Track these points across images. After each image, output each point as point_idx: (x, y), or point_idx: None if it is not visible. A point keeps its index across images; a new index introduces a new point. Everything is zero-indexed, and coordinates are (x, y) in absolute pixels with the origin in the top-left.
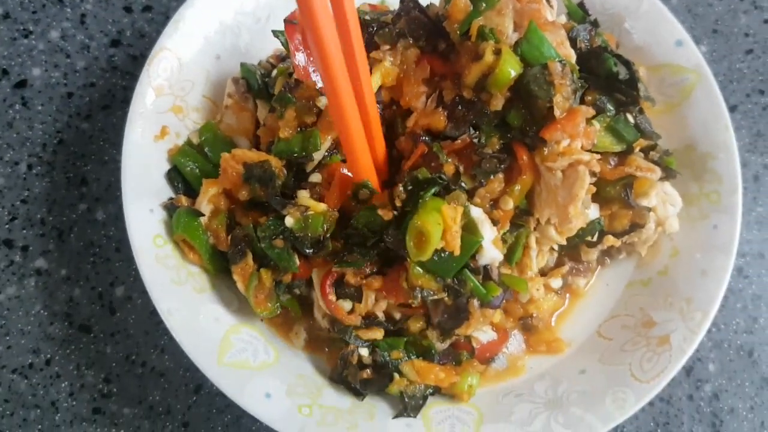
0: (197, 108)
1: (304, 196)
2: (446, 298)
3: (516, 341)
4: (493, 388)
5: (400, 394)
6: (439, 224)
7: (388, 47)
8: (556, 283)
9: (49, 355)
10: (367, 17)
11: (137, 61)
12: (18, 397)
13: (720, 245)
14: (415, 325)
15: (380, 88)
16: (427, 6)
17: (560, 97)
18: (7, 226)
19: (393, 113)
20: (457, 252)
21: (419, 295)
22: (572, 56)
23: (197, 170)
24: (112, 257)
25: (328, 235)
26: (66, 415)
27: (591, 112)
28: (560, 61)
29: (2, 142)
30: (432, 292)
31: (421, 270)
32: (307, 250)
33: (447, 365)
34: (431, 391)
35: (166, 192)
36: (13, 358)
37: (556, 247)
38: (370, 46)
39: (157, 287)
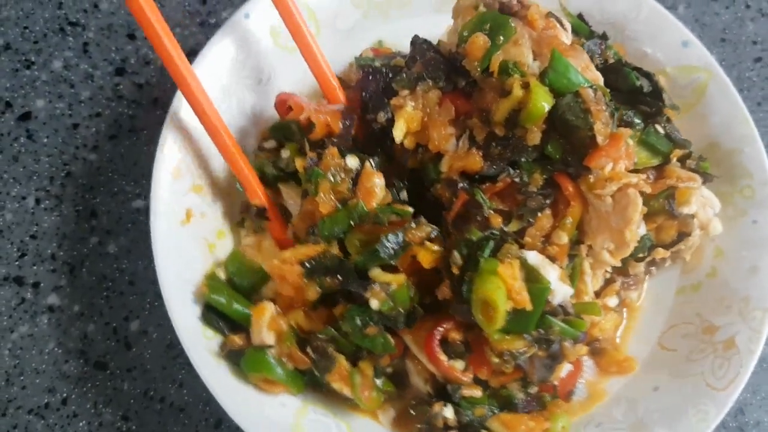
0: (215, 183)
1: (377, 272)
2: (538, 352)
3: (587, 368)
4: (576, 423)
5: None
6: (500, 288)
7: (407, 92)
8: (612, 301)
9: (65, 394)
10: (377, 63)
11: (143, 89)
12: None
13: (763, 239)
14: (497, 380)
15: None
16: (437, 43)
17: (600, 125)
18: (17, 262)
19: (421, 159)
20: (529, 306)
21: (511, 360)
22: (599, 79)
23: (234, 304)
24: (126, 291)
25: (416, 303)
26: None
27: (629, 132)
28: (591, 87)
29: (8, 177)
30: (522, 351)
31: (501, 335)
32: (404, 326)
33: (532, 412)
34: None
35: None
36: (28, 398)
37: (609, 270)
38: (388, 92)
39: (219, 387)
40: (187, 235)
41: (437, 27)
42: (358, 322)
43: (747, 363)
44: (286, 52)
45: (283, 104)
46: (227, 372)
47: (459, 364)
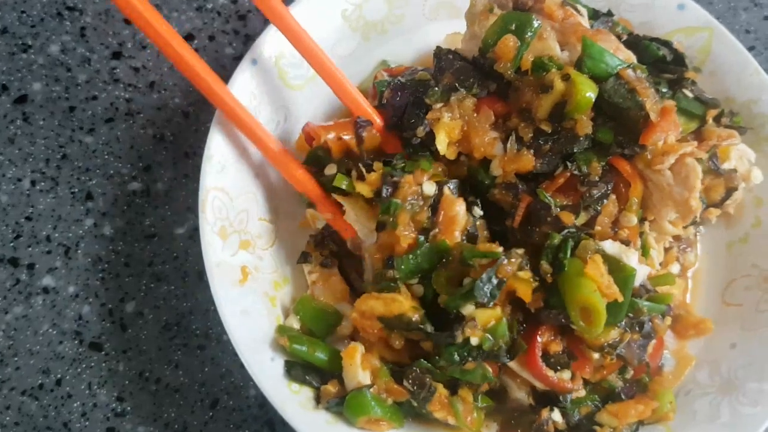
0: (260, 235)
1: (471, 310)
2: (633, 336)
3: (668, 337)
4: None
5: None
6: (594, 290)
7: (441, 104)
8: (675, 268)
9: (59, 375)
10: (402, 80)
11: (139, 72)
12: (29, 419)
13: None
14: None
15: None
16: (455, 50)
17: (650, 102)
18: (11, 244)
19: (468, 167)
20: (620, 298)
21: (612, 352)
22: (632, 57)
23: (317, 352)
24: (121, 272)
25: (515, 333)
26: None
27: (674, 103)
28: (629, 66)
29: (4, 159)
30: (618, 340)
31: None
32: (507, 360)
33: (636, 396)
34: (635, 427)
35: (272, 327)
36: (22, 379)
37: (671, 239)
38: (420, 106)
39: None
40: (248, 294)
41: (434, 35)
42: (457, 357)
43: None
44: (295, 90)
45: (308, 136)
46: (324, 423)
47: (566, 374)
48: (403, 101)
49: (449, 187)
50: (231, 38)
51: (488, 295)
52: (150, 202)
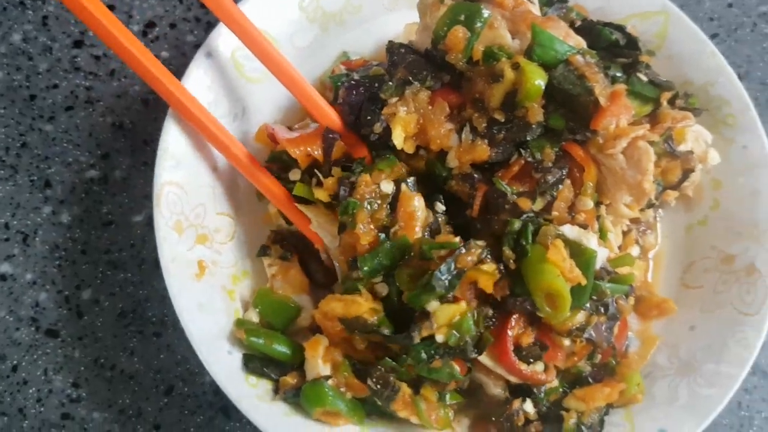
0: (218, 229)
1: (435, 305)
2: (599, 318)
3: (632, 319)
4: None
5: (578, 428)
6: (557, 275)
7: (396, 99)
8: (635, 251)
9: (15, 362)
10: (356, 77)
11: (100, 60)
12: None
13: (757, 162)
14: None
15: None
16: (409, 42)
17: (599, 86)
18: None
19: (427, 160)
20: (584, 281)
21: (580, 335)
22: (582, 42)
23: (275, 344)
24: (78, 260)
25: (481, 328)
26: (34, 422)
27: (624, 86)
28: (578, 52)
29: None
30: (585, 323)
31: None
32: (474, 354)
33: (604, 380)
34: (604, 411)
35: (231, 320)
36: None
37: (628, 222)
38: (375, 102)
39: (278, 430)
40: (205, 289)
41: (394, 25)
42: (424, 356)
43: None
44: (252, 83)
45: (271, 136)
46: (282, 415)
47: (539, 366)
48: (358, 99)
49: (407, 183)
50: (192, 26)
51: (446, 285)
52: (108, 190)
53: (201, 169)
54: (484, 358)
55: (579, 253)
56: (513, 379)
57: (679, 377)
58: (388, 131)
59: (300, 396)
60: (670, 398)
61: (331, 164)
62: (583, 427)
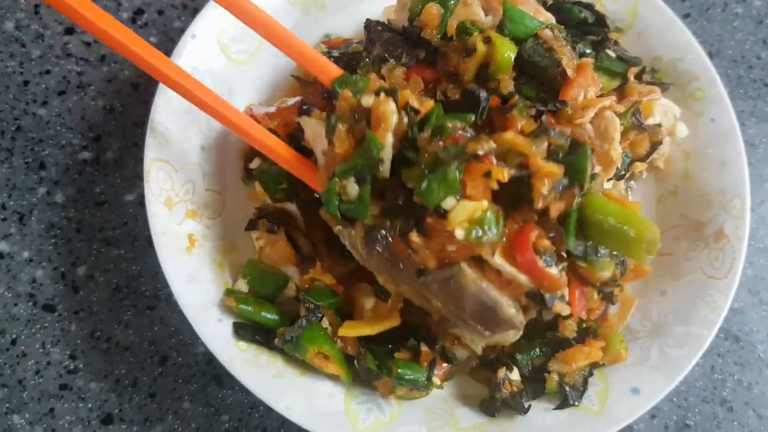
0: (206, 204)
1: (451, 203)
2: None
3: None
4: None
5: (560, 388)
6: (633, 212)
7: (372, 75)
8: None
9: (14, 336)
10: (336, 54)
11: (91, 47)
12: None
13: (724, 134)
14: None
15: None
16: (387, 21)
17: (566, 58)
18: None
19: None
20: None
21: (614, 285)
22: (552, 18)
23: (263, 312)
24: (73, 238)
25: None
26: (33, 393)
27: (591, 60)
28: (547, 27)
29: None
30: (614, 276)
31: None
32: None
33: (586, 341)
34: (588, 371)
35: (221, 291)
36: None
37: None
38: None
39: (267, 391)
40: (195, 260)
41: (374, 8)
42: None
43: (739, 248)
44: (239, 65)
45: (252, 116)
46: (270, 377)
47: (555, 270)
48: None
49: (383, 92)
50: (180, 12)
51: (451, 153)
52: (100, 171)
53: (189, 147)
54: (498, 259)
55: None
56: (525, 282)
57: (650, 339)
58: None
59: (295, 341)
60: (642, 359)
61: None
62: (565, 387)
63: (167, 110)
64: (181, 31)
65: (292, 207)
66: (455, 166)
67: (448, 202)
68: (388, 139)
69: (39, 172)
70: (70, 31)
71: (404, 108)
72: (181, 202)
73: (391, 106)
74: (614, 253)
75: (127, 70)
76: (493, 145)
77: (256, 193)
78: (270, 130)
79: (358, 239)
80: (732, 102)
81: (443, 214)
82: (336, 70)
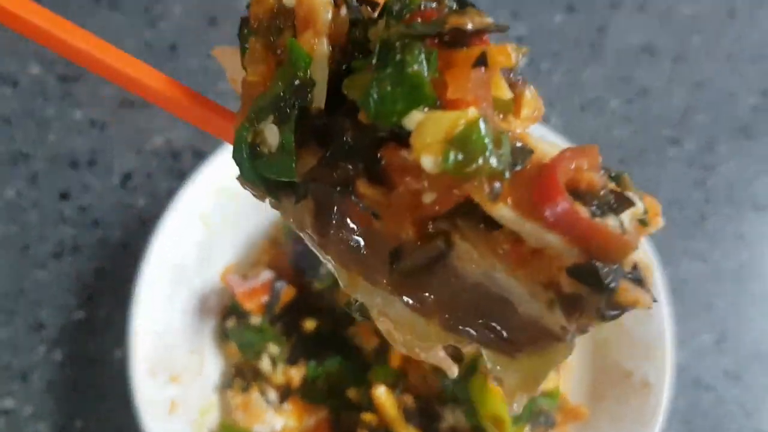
0: (187, 367)
1: (418, 118)
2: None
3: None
4: None
5: None
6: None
7: None
8: None
9: None
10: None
11: (84, 212)
12: None
13: None
14: None
15: None
16: None
17: None
18: None
19: None
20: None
21: None
22: None
23: None
24: (70, 394)
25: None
26: None
27: None
28: None
29: None
30: None
31: None
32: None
33: None
34: None
35: None
36: None
37: None
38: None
39: None
40: (176, 423)
41: None
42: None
43: (660, 395)
44: (216, 234)
45: (229, 286)
46: None
47: (614, 221)
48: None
49: None
50: (166, 175)
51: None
52: (92, 330)
53: (173, 314)
54: (507, 211)
55: None
56: (559, 246)
57: None
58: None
59: None
60: None
61: (279, 314)
62: None
63: (151, 279)
64: (168, 192)
65: (265, 364)
66: (421, 52)
67: (413, 118)
68: (321, 47)
69: (39, 332)
70: (64, 196)
71: None
72: (164, 369)
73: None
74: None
75: (118, 233)
76: (489, 20)
77: (232, 352)
78: None
79: (307, 216)
80: (666, 241)
81: (405, 138)
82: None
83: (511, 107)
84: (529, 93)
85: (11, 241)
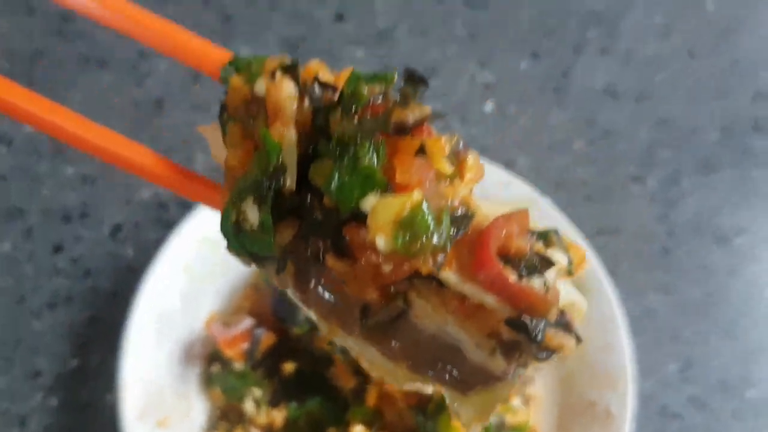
0: (175, 409)
1: (371, 201)
2: None
3: None
4: None
5: None
6: None
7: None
8: (517, 402)
9: None
10: None
11: (77, 263)
12: None
13: (607, 318)
14: None
15: None
16: None
17: None
18: None
19: None
20: None
21: None
22: None
23: None
24: None
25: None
26: None
27: None
28: None
29: None
30: None
31: None
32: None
33: None
34: None
35: None
36: None
37: None
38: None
39: None
40: None
41: None
42: None
43: (622, 425)
44: (200, 282)
45: (211, 333)
46: None
47: (538, 282)
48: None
49: (281, 71)
50: (153, 225)
51: (366, 128)
52: (86, 377)
53: (161, 361)
54: (448, 275)
55: None
56: (495, 305)
57: None
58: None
59: None
60: None
61: (260, 359)
62: None
63: (139, 328)
64: (156, 241)
65: (249, 406)
66: (371, 146)
67: (369, 201)
68: (289, 136)
69: (36, 379)
70: (58, 249)
71: (309, 87)
72: (151, 413)
73: (288, 88)
74: None
75: (109, 282)
76: (428, 110)
77: (217, 397)
78: None
79: (289, 279)
80: (631, 275)
81: (364, 218)
82: (223, 55)
83: (457, 174)
84: (471, 158)
85: (8, 292)
